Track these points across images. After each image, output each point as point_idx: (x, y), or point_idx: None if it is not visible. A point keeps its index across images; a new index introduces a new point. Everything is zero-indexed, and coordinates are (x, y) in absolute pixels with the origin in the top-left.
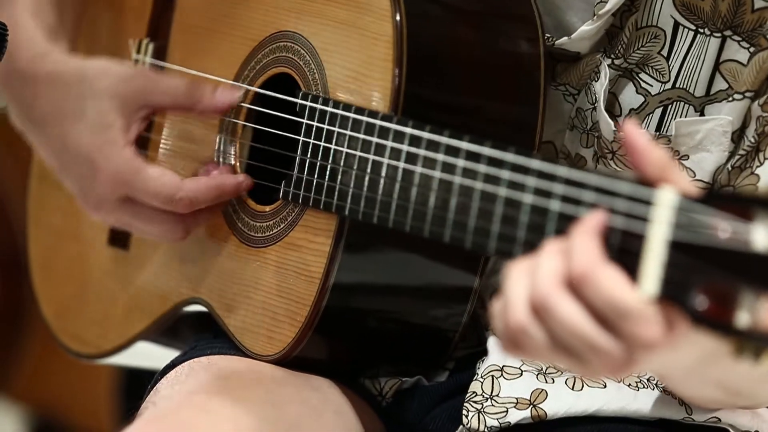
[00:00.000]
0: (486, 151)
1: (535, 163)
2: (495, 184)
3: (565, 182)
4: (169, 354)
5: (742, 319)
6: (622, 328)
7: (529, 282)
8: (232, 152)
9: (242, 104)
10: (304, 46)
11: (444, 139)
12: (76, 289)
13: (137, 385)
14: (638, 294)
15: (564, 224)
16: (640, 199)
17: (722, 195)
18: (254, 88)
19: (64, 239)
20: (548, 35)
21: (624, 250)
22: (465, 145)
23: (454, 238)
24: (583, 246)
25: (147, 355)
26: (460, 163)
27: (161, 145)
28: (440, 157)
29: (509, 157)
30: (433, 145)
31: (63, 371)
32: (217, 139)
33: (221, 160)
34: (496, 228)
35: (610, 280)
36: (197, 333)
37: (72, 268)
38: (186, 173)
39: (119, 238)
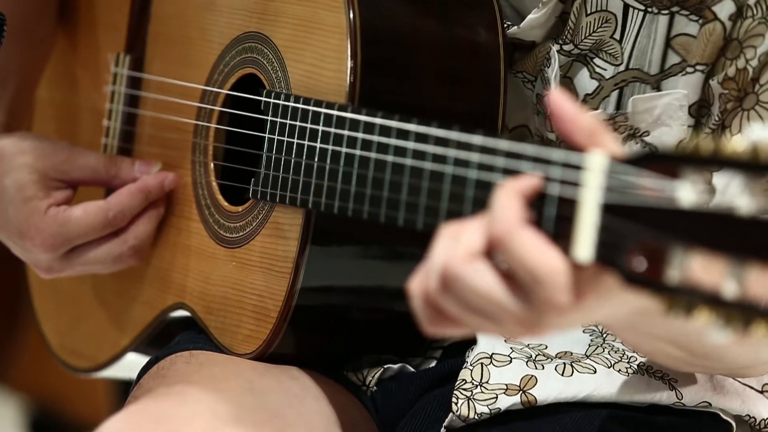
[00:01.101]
0: (432, 131)
1: (477, 139)
2: (442, 162)
3: (505, 155)
4: None
5: (673, 275)
6: (533, 291)
7: (448, 251)
8: (206, 155)
9: (213, 107)
10: (267, 45)
11: (394, 123)
12: (70, 305)
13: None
14: (553, 258)
15: None
16: (571, 164)
17: (649, 155)
18: (223, 91)
19: None
20: (508, 23)
21: (560, 216)
22: (413, 127)
23: (407, 221)
24: (500, 211)
25: (138, 366)
26: (410, 145)
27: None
28: (392, 141)
29: (453, 135)
30: (385, 131)
31: None
32: (192, 144)
33: (197, 163)
34: (444, 206)
35: (525, 244)
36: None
37: (64, 283)
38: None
39: None
